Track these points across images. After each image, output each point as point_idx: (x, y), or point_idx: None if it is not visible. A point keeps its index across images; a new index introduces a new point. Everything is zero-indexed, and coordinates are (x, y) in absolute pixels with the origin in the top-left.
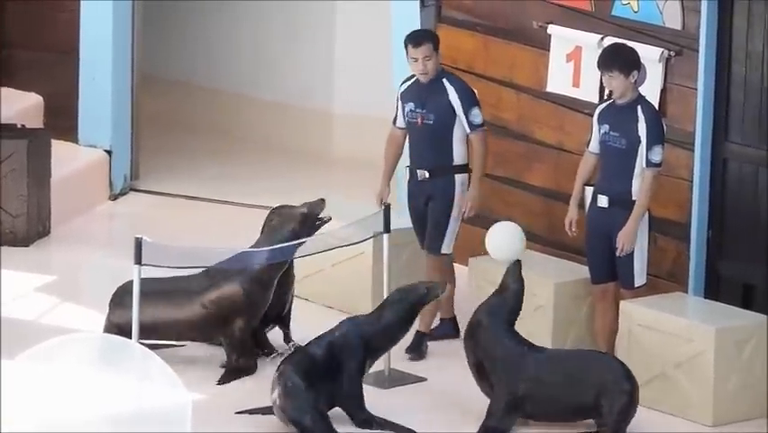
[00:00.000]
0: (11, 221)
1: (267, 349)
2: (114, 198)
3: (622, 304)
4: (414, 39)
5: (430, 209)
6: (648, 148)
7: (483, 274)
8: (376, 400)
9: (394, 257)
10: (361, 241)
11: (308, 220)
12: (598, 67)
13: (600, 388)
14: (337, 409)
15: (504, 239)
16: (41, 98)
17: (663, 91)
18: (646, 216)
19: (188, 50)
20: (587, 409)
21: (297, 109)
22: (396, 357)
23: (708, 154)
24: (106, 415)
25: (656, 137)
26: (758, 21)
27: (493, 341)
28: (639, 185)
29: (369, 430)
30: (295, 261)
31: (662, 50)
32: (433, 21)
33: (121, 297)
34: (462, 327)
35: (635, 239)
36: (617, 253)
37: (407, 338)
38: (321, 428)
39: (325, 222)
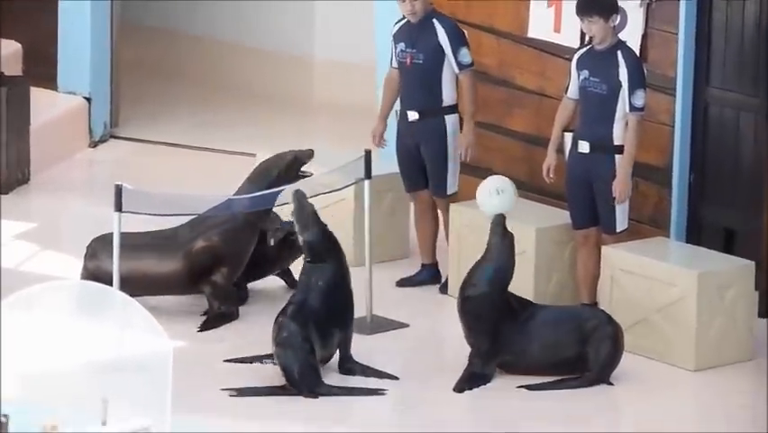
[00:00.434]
0: None
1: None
2: (93, 145)
3: (604, 249)
4: None
5: (424, 153)
6: (630, 93)
7: (464, 221)
8: (357, 346)
9: (375, 203)
10: (343, 187)
11: (294, 167)
12: (577, 12)
13: (583, 337)
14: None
15: (495, 194)
16: (19, 45)
17: (644, 36)
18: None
19: None
20: (571, 363)
21: (278, 56)
22: (378, 304)
23: (690, 99)
24: (86, 363)
25: (638, 81)
26: None
27: (486, 313)
28: (620, 130)
29: (352, 376)
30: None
31: None
32: None
33: (95, 249)
34: (444, 273)
35: (630, 187)
36: (615, 204)
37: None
38: (309, 380)
39: (307, 176)
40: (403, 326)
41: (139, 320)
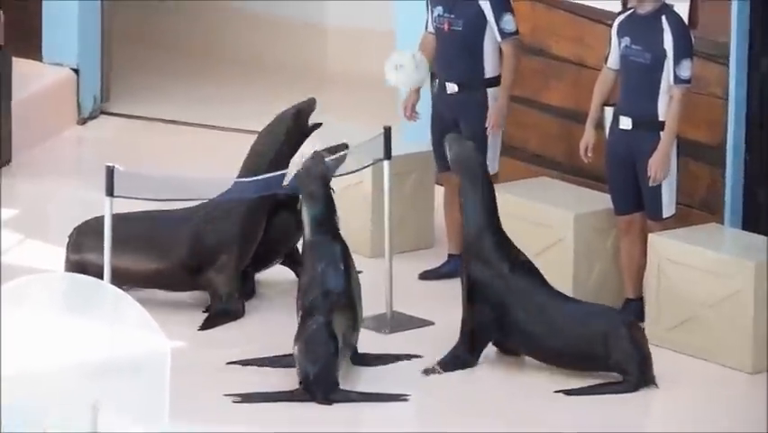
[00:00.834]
0: None
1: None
2: (82, 121)
3: (650, 237)
4: None
5: (464, 129)
6: (675, 62)
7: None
8: (377, 345)
9: (396, 187)
10: (359, 169)
11: (301, 119)
12: None
13: (596, 338)
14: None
15: (394, 69)
16: (0, 12)
17: None
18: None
19: None
20: (587, 359)
21: (287, 23)
22: (399, 300)
23: (745, 69)
24: (75, 364)
25: (684, 50)
26: None
27: (479, 279)
28: (665, 104)
29: (368, 367)
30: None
31: None
32: None
33: (78, 237)
34: None
35: (668, 166)
36: (649, 183)
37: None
38: (326, 385)
39: (317, 126)
40: (427, 323)
41: (133, 317)
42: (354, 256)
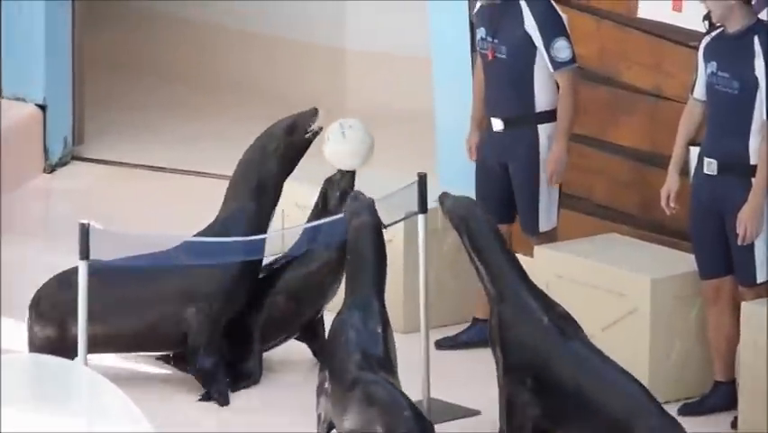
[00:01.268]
0: None
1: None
2: (50, 169)
3: (743, 306)
4: None
5: (512, 175)
6: None
7: (554, 268)
8: None
9: (433, 246)
10: (390, 225)
11: (296, 133)
12: None
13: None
14: None
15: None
16: None
17: None
18: None
19: None
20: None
21: (298, 46)
22: (437, 383)
23: None
24: None
25: None
26: None
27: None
28: (757, 144)
29: None
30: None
31: None
32: None
33: (40, 303)
34: None
35: (762, 221)
36: (738, 242)
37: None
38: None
39: (316, 133)
40: (471, 413)
41: (112, 406)
42: None
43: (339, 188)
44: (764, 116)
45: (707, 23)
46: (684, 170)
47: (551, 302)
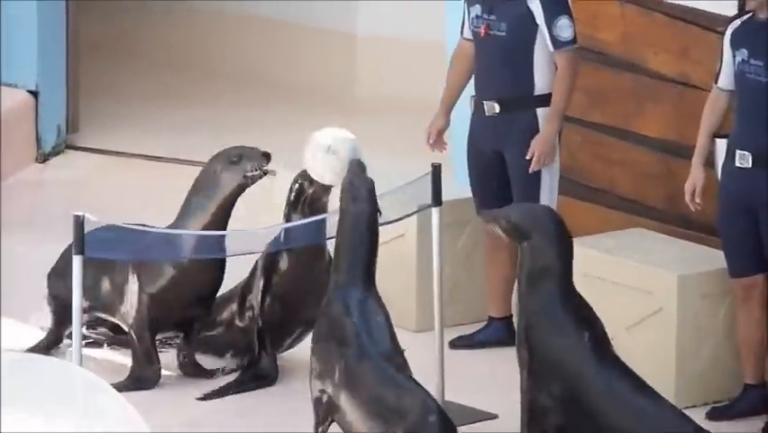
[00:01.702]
0: None
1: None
2: (43, 158)
3: None
4: None
5: (509, 164)
6: None
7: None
8: None
9: (448, 241)
10: (401, 218)
11: (239, 167)
12: None
13: None
14: None
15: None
16: None
17: None
18: None
19: None
20: None
21: (308, 31)
22: (451, 386)
23: None
24: None
25: None
26: None
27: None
28: None
29: None
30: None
31: None
32: None
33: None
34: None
35: None
36: None
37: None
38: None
39: (259, 177)
40: (488, 416)
41: (110, 409)
42: (395, 330)
43: (314, 196)
44: None
45: (743, 6)
46: (709, 163)
47: (591, 315)
